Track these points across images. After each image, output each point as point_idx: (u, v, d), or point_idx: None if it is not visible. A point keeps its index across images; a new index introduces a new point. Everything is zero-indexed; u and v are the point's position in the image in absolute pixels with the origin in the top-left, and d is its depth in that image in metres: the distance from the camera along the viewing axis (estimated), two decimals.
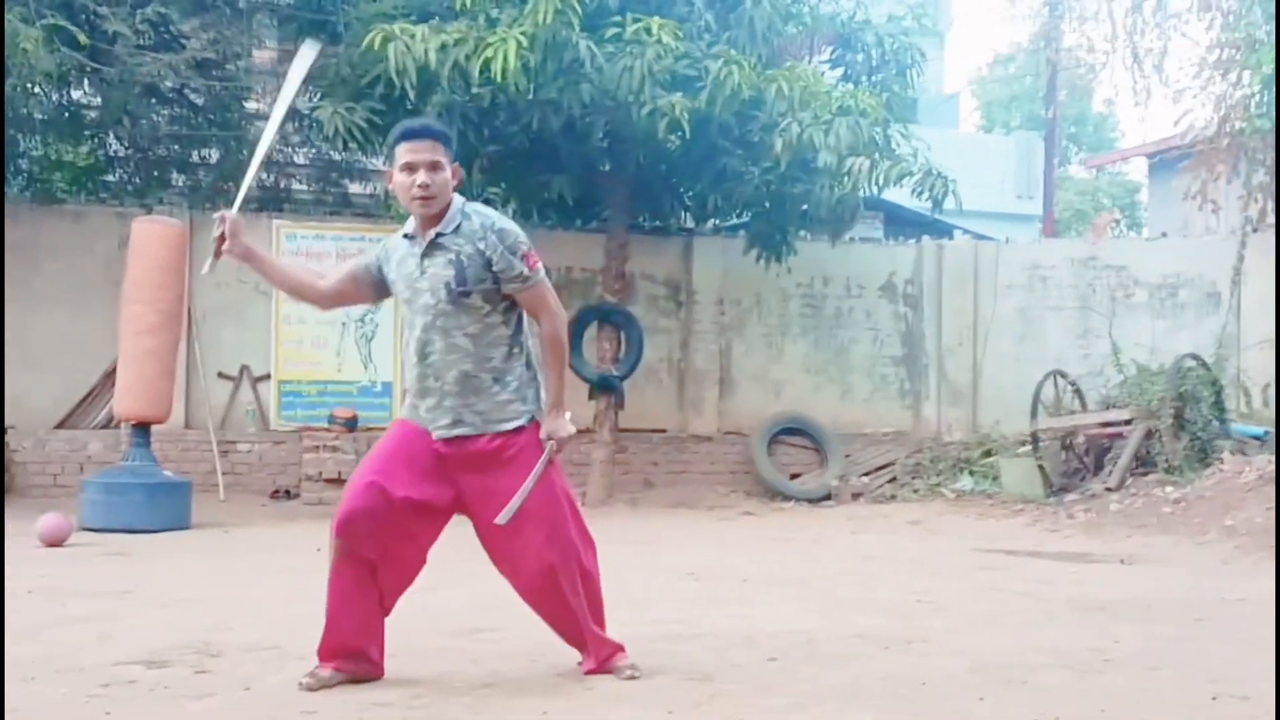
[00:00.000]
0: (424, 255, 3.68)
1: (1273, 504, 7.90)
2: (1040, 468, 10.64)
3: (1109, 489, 9.86)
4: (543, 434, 3.72)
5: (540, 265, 3.74)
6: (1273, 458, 9.00)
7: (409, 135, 3.65)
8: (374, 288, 3.87)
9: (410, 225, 3.75)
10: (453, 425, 3.67)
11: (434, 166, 3.61)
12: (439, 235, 3.67)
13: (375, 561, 3.64)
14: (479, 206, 3.78)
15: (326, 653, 3.68)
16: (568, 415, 3.78)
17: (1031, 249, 13.42)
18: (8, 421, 10.38)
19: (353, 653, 3.69)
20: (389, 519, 3.61)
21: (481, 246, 3.64)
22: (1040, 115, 21.41)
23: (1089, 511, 9.53)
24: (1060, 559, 7.53)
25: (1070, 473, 10.92)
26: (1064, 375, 11.52)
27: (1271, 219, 11.96)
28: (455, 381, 3.66)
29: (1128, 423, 10.34)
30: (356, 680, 3.67)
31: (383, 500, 3.60)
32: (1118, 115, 33.24)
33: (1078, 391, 11.41)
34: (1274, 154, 11.51)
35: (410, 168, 3.61)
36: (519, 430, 3.71)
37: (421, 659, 4.11)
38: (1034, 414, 11.18)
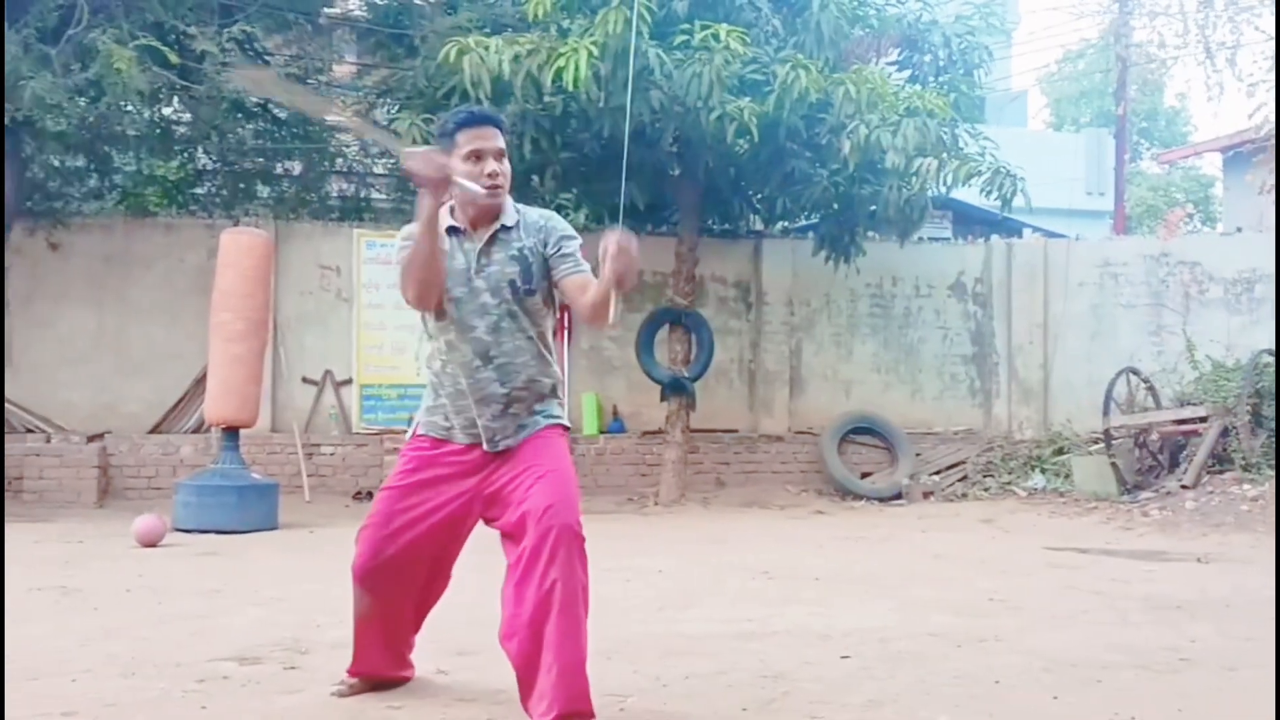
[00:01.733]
0: (481, 251, 3.34)
1: None
2: (1113, 465, 10.44)
3: (1184, 487, 9.66)
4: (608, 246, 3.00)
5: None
6: None
7: (474, 121, 3.31)
8: None
9: (452, 217, 3.35)
10: (516, 433, 3.37)
11: (501, 155, 3.32)
12: (504, 228, 3.35)
13: (400, 596, 3.49)
14: (524, 205, 3.49)
15: (354, 674, 3.64)
16: None
17: (1102, 246, 13.18)
18: (106, 427, 10.67)
19: (379, 678, 3.66)
20: (409, 559, 3.40)
21: (543, 237, 3.37)
22: (1111, 111, 21.01)
23: (1164, 509, 9.34)
24: (1134, 557, 7.39)
25: (1144, 470, 10.71)
26: (1137, 372, 11.29)
27: None
28: (524, 385, 3.35)
29: (1203, 420, 10.12)
30: (384, 687, 3.66)
31: (400, 543, 3.37)
32: (1190, 110, 32.48)
33: (1151, 389, 11.18)
34: None
35: (478, 155, 3.26)
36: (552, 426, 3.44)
37: (502, 656, 4.15)
38: (1106, 411, 10.98)
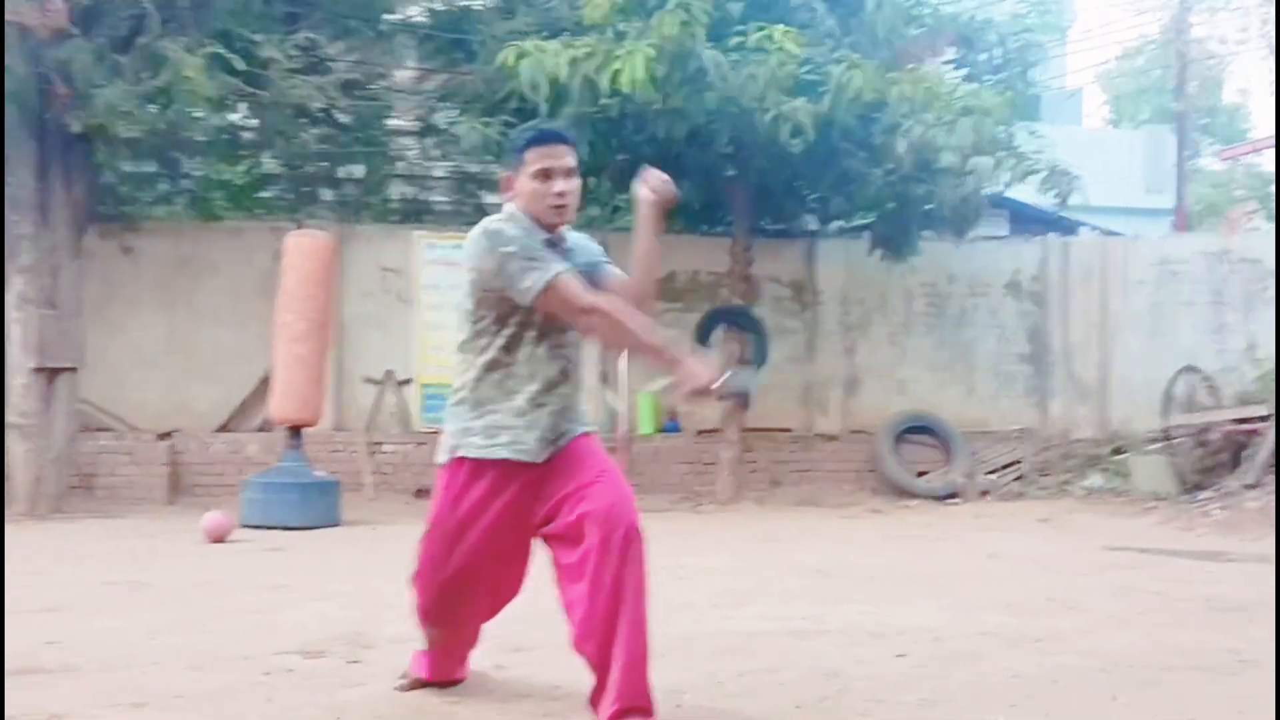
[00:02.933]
0: None
1: None
2: (1173, 465, 10.25)
3: (1246, 486, 9.45)
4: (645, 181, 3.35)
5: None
6: None
7: (545, 139, 3.26)
8: None
9: (530, 224, 3.24)
10: (558, 441, 3.28)
11: (570, 174, 3.25)
12: (565, 244, 3.34)
13: (469, 620, 3.50)
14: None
15: (430, 674, 3.63)
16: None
17: (1162, 244, 12.94)
18: (175, 426, 10.85)
19: (449, 679, 3.67)
20: (470, 588, 3.36)
21: (588, 259, 3.38)
22: (1170, 108, 20.63)
23: (1225, 509, 9.15)
24: (1195, 558, 7.25)
25: (1204, 470, 10.49)
26: (1197, 371, 11.08)
27: None
28: (577, 395, 3.36)
29: (1265, 419, 9.90)
30: (448, 684, 3.66)
31: (460, 577, 3.33)
32: (1251, 106, 31.84)
33: (1212, 387, 10.96)
34: None
35: (547, 174, 3.21)
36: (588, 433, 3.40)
37: (558, 653, 4.16)
38: (1166, 410, 10.78)
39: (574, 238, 3.41)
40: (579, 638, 3.15)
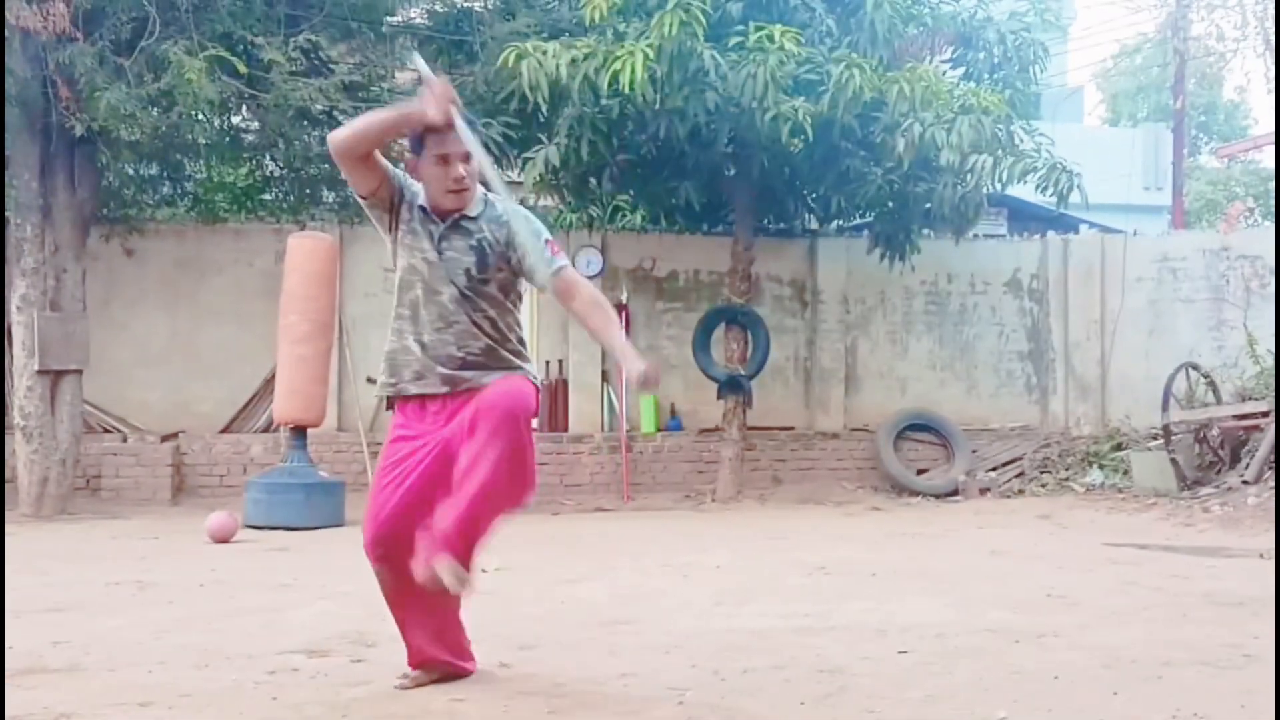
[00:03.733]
0: (442, 236, 3.48)
1: None
2: (1173, 461, 10.23)
3: (1246, 482, 9.44)
4: (632, 375, 3.29)
5: (564, 253, 3.58)
6: None
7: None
8: (385, 194, 3.51)
9: (423, 196, 3.52)
10: (478, 380, 3.45)
11: (467, 157, 3.44)
12: (463, 217, 3.49)
13: (406, 571, 3.43)
14: (498, 196, 3.56)
15: (412, 662, 3.66)
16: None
17: (1161, 241, 12.94)
18: (179, 427, 10.86)
19: (437, 663, 3.66)
20: (409, 517, 3.41)
21: (504, 234, 3.49)
22: (1168, 106, 20.62)
23: (1225, 505, 9.15)
24: (1195, 553, 7.24)
25: (1204, 466, 10.48)
26: (1197, 368, 11.06)
27: None
28: (480, 353, 3.47)
29: (1265, 414, 9.88)
30: (446, 680, 3.65)
31: (395, 504, 3.44)
32: (1249, 103, 31.78)
33: (1211, 384, 10.95)
34: None
35: (444, 159, 3.42)
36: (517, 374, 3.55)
37: (563, 650, 4.17)
38: (1165, 407, 10.76)
39: (494, 210, 3.54)
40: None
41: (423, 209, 3.51)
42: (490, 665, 3.89)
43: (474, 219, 3.50)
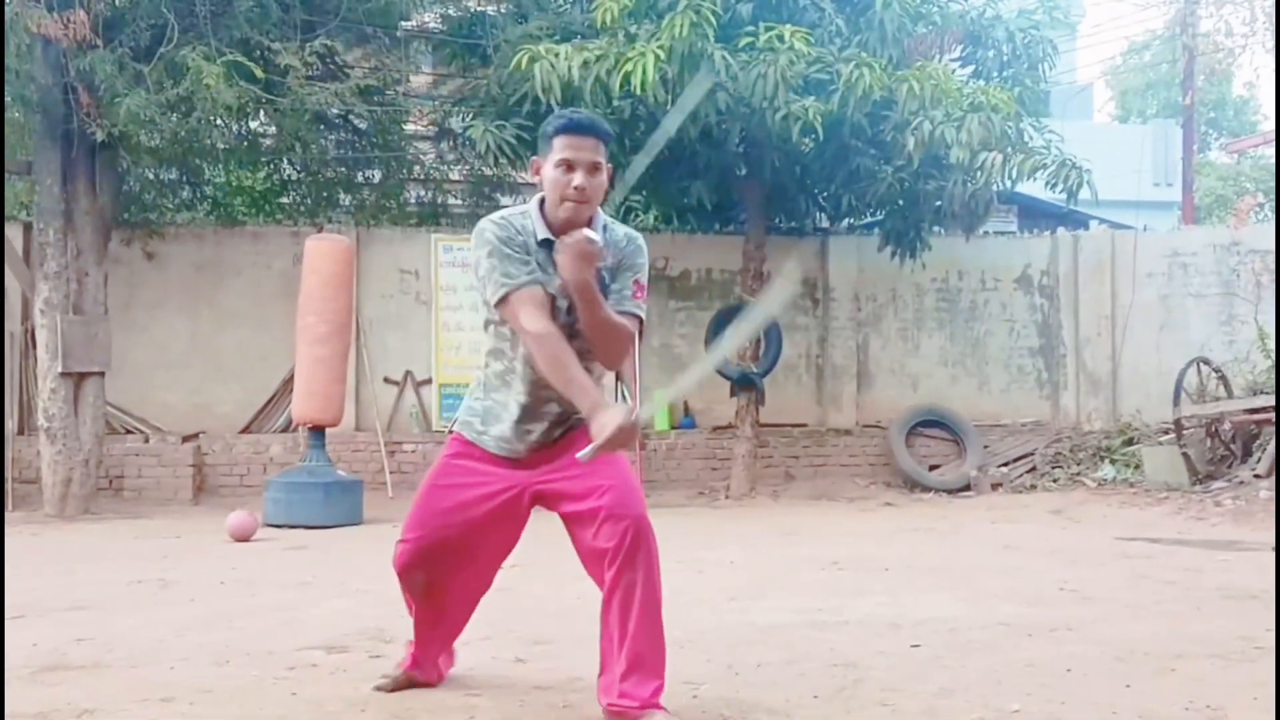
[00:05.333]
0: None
1: None
2: (1185, 455, 10.18)
3: (1258, 476, 9.39)
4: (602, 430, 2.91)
5: (644, 300, 3.23)
6: None
7: (573, 128, 3.09)
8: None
9: (536, 220, 3.13)
10: (558, 437, 3.21)
11: (594, 168, 3.08)
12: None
13: (449, 584, 3.35)
14: (611, 219, 3.27)
15: (413, 663, 3.53)
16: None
17: (1171, 236, 12.87)
18: (200, 427, 10.90)
19: (424, 680, 3.55)
20: (455, 547, 3.25)
21: (620, 260, 3.17)
22: (1177, 102, 20.50)
23: (1237, 499, 9.09)
24: (1207, 547, 7.20)
25: (1216, 460, 10.42)
26: (1208, 362, 11.00)
27: None
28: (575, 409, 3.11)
29: (1276, 408, 9.82)
30: (423, 686, 3.53)
31: (447, 531, 3.23)
32: (1259, 98, 31.52)
33: (1223, 378, 10.88)
34: None
35: (569, 165, 3.06)
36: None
37: (578, 646, 4.16)
38: (1177, 401, 10.71)
39: (615, 236, 3.20)
40: (601, 631, 3.12)
41: (545, 243, 3.11)
42: (505, 661, 3.88)
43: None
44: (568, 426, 3.20)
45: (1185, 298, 12.16)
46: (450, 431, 3.37)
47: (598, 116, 3.31)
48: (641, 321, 3.20)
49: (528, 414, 3.17)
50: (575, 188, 3.06)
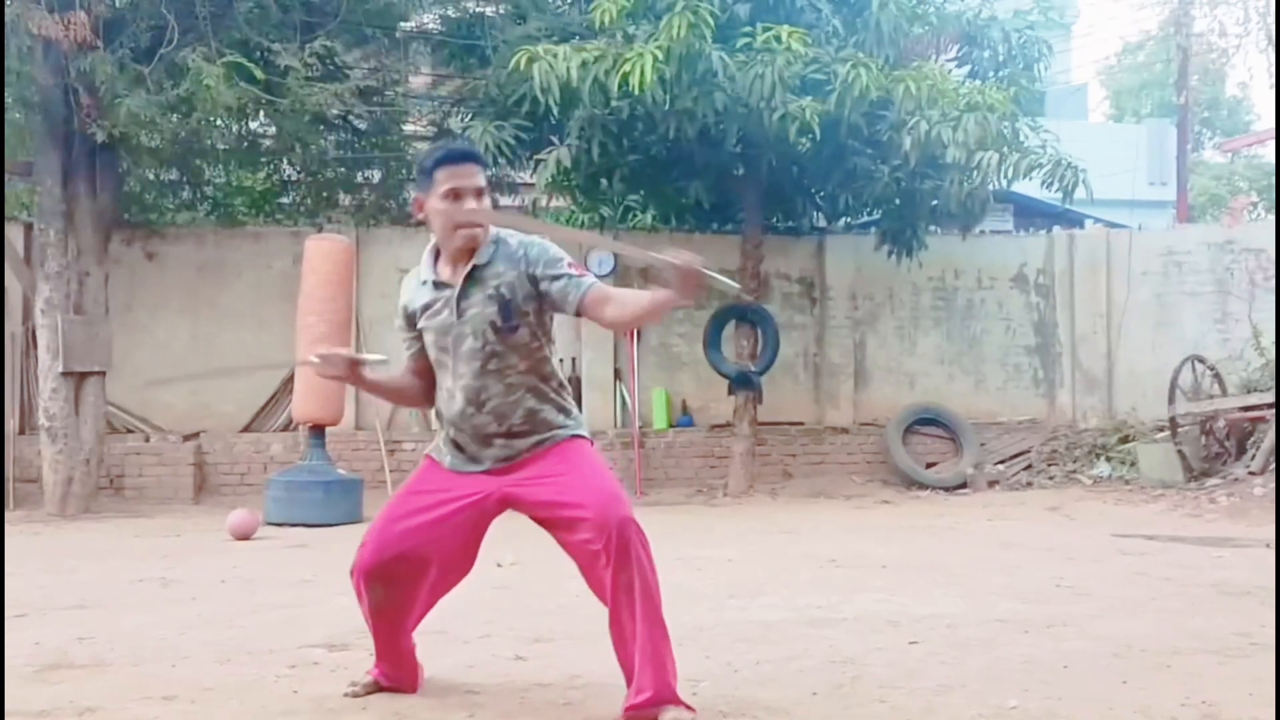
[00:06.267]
0: (459, 296, 3.15)
1: None
2: (1180, 453, 10.19)
3: (1252, 473, 9.40)
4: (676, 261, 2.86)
5: (584, 268, 3.24)
6: None
7: (453, 159, 3.14)
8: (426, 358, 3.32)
9: (425, 268, 3.23)
10: (529, 451, 3.21)
11: (479, 193, 3.12)
12: (475, 269, 3.15)
13: (409, 592, 3.29)
14: (507, 231, 3.24)
15: (380, 672, 3.45)
16: None
17: (1166, 235, 12.87)
18: (200, 427, 10.89)
19: (400, 675, 3.46)
20: (417, 556, 3.21)
21: (524, 268, 3.14)
22: (1172, 102, 20.52)
23: (1231, 496, 9.10)
24: (1203, 544, 7.20)
25: (1211, 457, 10.43)
26: (1202, 360, 11.00)
27: None
28: (522, 422, 3.18)
29: (1270, 406, 9.83)
30: (396, 691, 3.44)
31: (409, 540, 3.19)
32: (1252, 98, 31.56)
33: (1217, 376, 10.89)
34: None
35: (457, 194, 3.10)
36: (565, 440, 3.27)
37: (577, 643, 4.16)
38: (1172, 399, 10.71)
39: (508, 248, 3.18)
40: (611, 638, 3.13)
41: (428, 284, 3.23)
42: (505, 659, 3.88)
43: (486, 265, 3.16)
44: (529, 440, 3.20)
45: (1180, 296, 12.16)
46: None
47: (470, 145, 3.40)
48: (593, 282, 3.14)
49: (478, 440, 3.21)
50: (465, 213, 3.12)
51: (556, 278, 3.13)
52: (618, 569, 3.02)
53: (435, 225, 3.17)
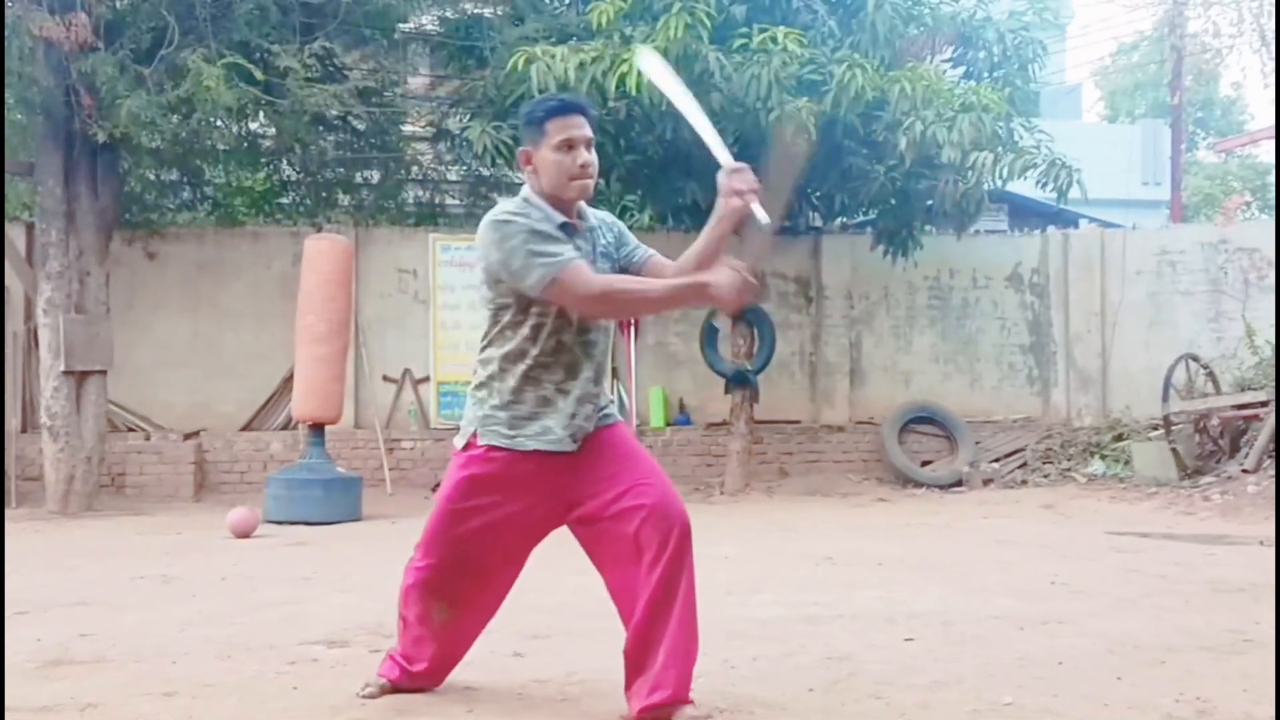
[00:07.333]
0: (592, 246, 3.12)
1: None
2: (1174, 451, 10.19)
3: (1246, 471, 9.40)
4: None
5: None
6: None
7: (566, 109, 3.06)
8: None
9: (549, 211, 3.04)
10: (588, 431, 3.12)
11: (589, 143, 3.06)
12: (587, 222, 3.14)
13: (473, 604, 3.25)
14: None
15: (400, 674, 3.36)
16: None
17: (1160, 234, 12.88)
18: (201, 425, 10.89)
19: (433, 677, 3.39)
20: (479, 567, 3.17)
21: (616, 232, 3.22)
22: (1166, 102, 20.53)
23: (1225, 494, 9.10)
24: (1197, 541, 7.21)
25: (1204, 456, 10.43)
26: (1196, 359, 11.01)
27: None
28: (601, 386, 3.15)
29: (1264, 404, 9.83)
30: (415, 691, 3.37)
31: (472, 552, 3.14)
32: (1246, 98, 31.55)
33: (1211, 374, 10.89)
34: None
35: (570, 144, 3.01)
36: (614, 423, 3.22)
37: (575, 640, 4.16)
38: (1166, 398, 10.72)
39: (596, 215, 3.20)
40: (631, 635, 3.06)
41: (567, 227, 3.06)
42: (504, 655, 3.88)
43: (595, 226, 3.14)
44: (600, 410, 3.15)
45: (1174, 295, 12.17)
46: (464, 447, 3.14)
47: (576, 96, 3.37)
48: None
49: (579, 401, 3.08)
50: (582, 165, 3.04)
51: (638, 245, 3.23)
52: (668, 568, 2.99)
53: (549, 175, 3.05)
